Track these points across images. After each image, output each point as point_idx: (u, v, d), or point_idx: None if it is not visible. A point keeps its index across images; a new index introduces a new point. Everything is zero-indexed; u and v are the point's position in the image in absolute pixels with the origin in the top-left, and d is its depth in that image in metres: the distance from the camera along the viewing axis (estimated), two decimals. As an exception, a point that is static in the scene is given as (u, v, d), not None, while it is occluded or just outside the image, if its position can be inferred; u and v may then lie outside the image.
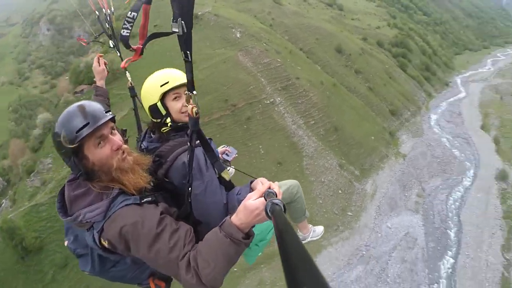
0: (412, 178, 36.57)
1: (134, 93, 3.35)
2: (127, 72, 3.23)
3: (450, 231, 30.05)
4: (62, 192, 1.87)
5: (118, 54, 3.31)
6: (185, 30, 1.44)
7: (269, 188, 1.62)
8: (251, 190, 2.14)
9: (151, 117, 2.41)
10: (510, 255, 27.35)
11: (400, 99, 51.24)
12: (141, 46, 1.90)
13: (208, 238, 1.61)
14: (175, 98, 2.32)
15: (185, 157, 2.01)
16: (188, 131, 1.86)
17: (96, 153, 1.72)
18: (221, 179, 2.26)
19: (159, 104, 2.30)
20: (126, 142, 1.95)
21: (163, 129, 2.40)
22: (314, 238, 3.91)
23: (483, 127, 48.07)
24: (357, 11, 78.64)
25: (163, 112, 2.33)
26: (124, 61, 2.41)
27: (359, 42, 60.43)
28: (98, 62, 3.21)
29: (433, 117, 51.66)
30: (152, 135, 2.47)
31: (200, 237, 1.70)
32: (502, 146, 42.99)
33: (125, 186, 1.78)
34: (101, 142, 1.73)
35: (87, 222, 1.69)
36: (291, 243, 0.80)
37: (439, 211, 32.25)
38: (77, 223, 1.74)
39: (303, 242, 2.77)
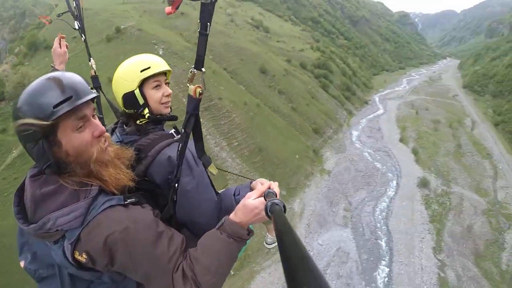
0: (338, 193, 36.80)
1: (98, 84, 2.92)
2: (91, 59, 2.90)
3: (381, 241, 30.29)
4: (19, 194, 1.42)
5: (83, 38, 3.03)
6: (213, 0, 1.32)
7: (269, 188, 1.58)
8: (251, 190, 1.89)
9: (123, 107, 2.04)
10: (442, 256, 28.18)
11: (322, 118, 52.60)
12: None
13: (206, 243, 1.44)
14: (156, 86, 2.00)
15: (169, 151, 1.82)
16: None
17: (73, 139, 1.33)
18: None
19: (137, 91, 1.95)
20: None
21: (139, 120, 2.03)
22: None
23: (401, 140, 50.65)
24: (283, 34, 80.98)
25: (141, 101, 1.97)
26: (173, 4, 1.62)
27: (283, 64, 61.81)
28: (60, 44, 2.72)
29: (355, 133, 53.55)
30: (124, 127, 2.09)
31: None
32: (421, 156, 45.30)
33: (105, 183, 1.42)
34: (82, 125, 1.35)
35: (57, 230, 1.28)
36: (291, 243, 0.79)
37: (367, 223, 32.50)
38: (42, 233, 1.30)
39: (274, 245, 2.68)
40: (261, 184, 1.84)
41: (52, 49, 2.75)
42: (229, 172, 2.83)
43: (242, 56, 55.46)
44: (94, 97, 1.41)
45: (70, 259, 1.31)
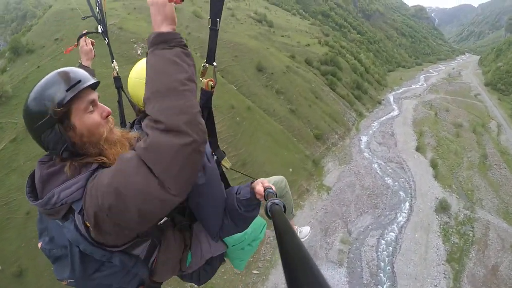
0: (337, 218, 29.27)
1: (119, 84, 3.15)
2: (114, 60, 3.21)
3: (382, 287, 23.27)
4: (32, 176, 1.55)
5: (106, 41, 3.26)
6: None
7: (270, 188, 1.68)
8: (251, 190, 1.93)
9: (143, 107, 1.98)
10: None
11: (327, 121, 44.86)
12: None
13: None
14: None
15: None
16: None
17: (85, 120, 1.46)
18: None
19: None
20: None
21: None
22: (301, 239, 2.93)
23: (418, 148, 42.36)
24: (288, 28, 73.30)
25: None
26: None
27: (285, 60, 54.50)
28: (85, 42, 2.99)
29: (364, 139, 45.41)
30: (141, 123, 1.91)
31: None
32: (441, 169, 37.37)
33: (112, 161, 1.47)
34: (91, 106, 1.50)
35: (62, 204, 1.37)
36: (291, 243, 0.80)
37: (368, 261, 25.23)
38: (50, 208, 1.39)
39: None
40: (262, 184, 1.85)
41: (80, 47, 2.99)
42: (236, 170, 2.70)
43: (236, 52, 48.64)
44: (97, 82, 1.55)
45: (83, 230, 1.33)
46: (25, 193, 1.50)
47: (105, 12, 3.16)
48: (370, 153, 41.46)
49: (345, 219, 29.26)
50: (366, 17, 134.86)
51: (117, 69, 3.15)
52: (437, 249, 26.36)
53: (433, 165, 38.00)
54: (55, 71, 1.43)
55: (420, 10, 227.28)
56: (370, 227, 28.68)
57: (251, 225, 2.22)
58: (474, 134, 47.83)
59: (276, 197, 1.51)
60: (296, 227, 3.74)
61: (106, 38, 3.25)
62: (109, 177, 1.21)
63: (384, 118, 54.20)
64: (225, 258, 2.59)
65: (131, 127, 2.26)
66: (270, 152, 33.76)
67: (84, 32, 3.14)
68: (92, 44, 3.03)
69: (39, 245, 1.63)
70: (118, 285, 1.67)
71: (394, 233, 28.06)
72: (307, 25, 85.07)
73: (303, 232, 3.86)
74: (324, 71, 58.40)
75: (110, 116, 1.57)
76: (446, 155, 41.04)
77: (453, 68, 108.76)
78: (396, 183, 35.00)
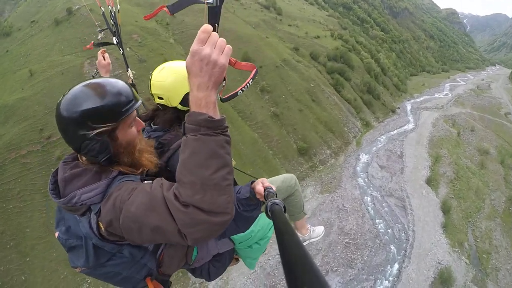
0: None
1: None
2: (129, 69, 3.26)
3: None
4: (55, 174, 1.61)
5: (121, 52, 3.30)
6: (219, 3, 1.34)
7: (270, 188, 1.69)
8: (252, 190, 1.95)
9: (182, 106, 2.19)
10: None
11: (319, 131, 35.05)
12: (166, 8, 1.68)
13: (181, 158, 1.21)
14: None
15: None
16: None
17: (128, 133, 1.56)
18: None
19: None
20: None
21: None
22: (314, 239, 3.44)
23: (429, 181, 31.93)
24: (299, 17, 63.31)
25: None
26: (156, 11, 1.87)
27: (285, 52, 45.13)
28: (103, 57, 3.02)
29: (363, 158, 35.24)
30: (152, 126, 2.30)
31: None
32: (454, 216, 27.39)
33: (138, 168, 1.60)
34: (133, 122, 1.59)
35: (82, 204, 1.44)
36: (291, 243, 0.79)
37: None
38: (71, 206, 1.47)
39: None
40: (262, 183, 1.87)
41: (97, 62, 3.01)
42: (238, 169, 2.13)
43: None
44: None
45: (95, 229, 1.42)
46: (48, 189, 1.56)
47: (119, 25, 3.15)
48: (366, 179, 31.34)
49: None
50: (393, 15, 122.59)
51: (132, 77, 3.22)
52: None
53: (445, 208, 27.91)
54: (113, 81, 1.48)
55: (452, 13, 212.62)
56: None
57: (259, 223, 2.38)
58: (501, 167, 37.39)
59: (276, 197, 1.51)
60: (309, 225, 3.43)
61: (121, 49, 3.26)
62: (137, 207, 1.23)
63: (395, 131, 43.67)
64: (238, 258, 2.63)
65: (143, 130, 2.09)
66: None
67: (99, 41, 3.29)
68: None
69: (56, 234, 1.69)
70: (127, 274, 1.71)
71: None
72: (324, 16, 74.55)
73: (316, 231, 3.46)
74: (331, 68, 48.53)
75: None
76: (465, 193, 30.83)
77: (482, 79, 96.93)
78: (389, 230, 25.10)
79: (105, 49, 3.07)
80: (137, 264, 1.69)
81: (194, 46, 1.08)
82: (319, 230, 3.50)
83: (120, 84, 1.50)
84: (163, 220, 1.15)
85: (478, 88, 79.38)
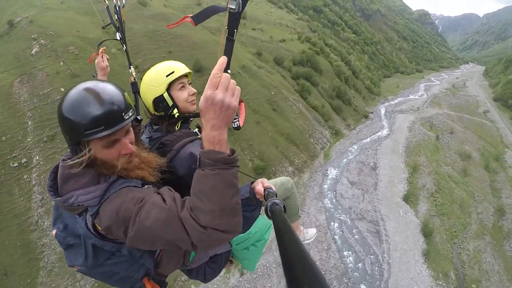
0: None
1: (136, 89, 2.91)
2: (131, 67, 3.05)
3: None
4: (55, 171, 1.58)
5: (124, 48, 3.15)
6: (240, 9, 1.32)
7: (270, 188, 1.69)
8: (252, 190, 1.95)
9: (153, 111, 2.14)
10: None
11: (279, 145, 30.29)
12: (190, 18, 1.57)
13: (198, 188, 1.24)
14: (181, 88, 2.13)
15: (192, 148, 1.91)
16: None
17: (102, 153, 1.44)
18: None
19: (165, 94, 2.10)
20: (139, 131, 1.72)
21: (168, 122, 2.14)
22: (307, 241, 3.42)
23: (407, 197, 27.45)
24: (265, 21, 59.19)
25: (170, 102, 2.10)
26: (180, 20, 1.69)
27: (245, 58, 40.69)
28: (102, 58, 2.86)
29: (332, 173, 30.62)
30: (153, 127, 2.22)
31: None
32: (436, 238, 22.97)
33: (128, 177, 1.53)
34: (111, 145, 1.45)
35: (78, 205, 1.44)
36: (291, 244, 0.78)
37: None
38: (67, 206, 1.47)
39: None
40: (262, 184, 1.87)
41: (96, 62, 2.85)
42: (247, 174, 2.35)
43: (172, 47, 36.48)
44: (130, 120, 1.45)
45: (91, 230, 1.44)
46: (47, 186, 1.54)
47: (123, 21, 3.03)
48: (334, 200, 26.61)
49: None
50: (365, 17, 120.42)
51: (134, 75, 2.93)
52: None
53: (426, 231, 23.50)
54: (92, 89, 1.34)
55: (424, 15, 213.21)
56: None
57: (256, 225, 2.32)
58: (486, 172, 33.40)
59: (276, 197, 1.50)
60: (302, 228, 3.44)
61: (124, 45, 3.08)
62: (153, 223, 1.22)
63: (368, 139, 39.39)
64: (233, 259, 2.62)
65: (144, 128, 2.23)
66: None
67: (103, 41, 3.15)
68: (107, 59, 2.91)
69: (53, 232, 1.67)
70: (126, 273, 1.69)
71: None
72: (293, 19, 70.57)
73: (309, 233, 3.51)
74: (296, 73, 44.23)
75: (133, 152, 1.49)
76: (448, 208, 26.51)
77: (457, 78, 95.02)
78: (360, 265, 20.49)
79: (104, 48, 2.86)
80: (135, 263, 1.67)
81: (207, 91, 1.12)
82: (312, 232, 3.51)
83: (93, 95, 1.32)
84: (179, 236, 1.19)
85: (453, 87, 76.76)
